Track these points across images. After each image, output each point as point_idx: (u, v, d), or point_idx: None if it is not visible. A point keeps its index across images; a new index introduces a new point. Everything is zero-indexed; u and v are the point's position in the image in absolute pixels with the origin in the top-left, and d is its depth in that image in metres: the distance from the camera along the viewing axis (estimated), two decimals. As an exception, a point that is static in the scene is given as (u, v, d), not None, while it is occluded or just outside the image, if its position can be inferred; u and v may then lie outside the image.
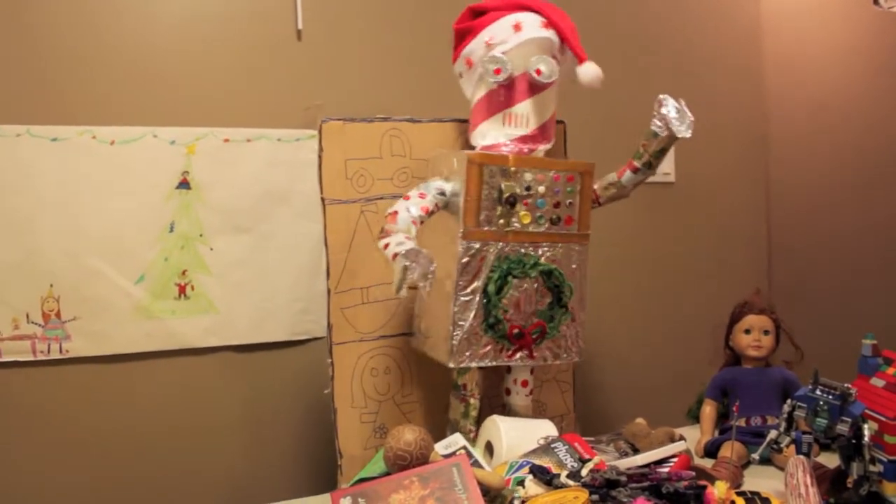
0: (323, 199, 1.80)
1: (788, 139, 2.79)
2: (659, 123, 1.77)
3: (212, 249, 2.04)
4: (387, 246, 1.60)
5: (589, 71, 1.74)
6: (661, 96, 1.77)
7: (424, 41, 2.16)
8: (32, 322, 1.89)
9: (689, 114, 1.77)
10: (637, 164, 1.82)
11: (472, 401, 1.77)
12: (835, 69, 2.83)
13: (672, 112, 1.75)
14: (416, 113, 1.89)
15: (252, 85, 2.06)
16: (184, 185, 2.01)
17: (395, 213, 1.66)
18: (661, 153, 1.80)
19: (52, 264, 1.90)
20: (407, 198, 1.69)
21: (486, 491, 1.46)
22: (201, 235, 2.03)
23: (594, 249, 2.29)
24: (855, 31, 2.83)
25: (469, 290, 1.68)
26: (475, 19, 1.79)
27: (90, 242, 1.93)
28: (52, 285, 1.90)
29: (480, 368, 1.76)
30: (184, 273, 2.02)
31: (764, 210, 2.76)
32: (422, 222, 1.67)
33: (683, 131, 1.75)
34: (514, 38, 1.72)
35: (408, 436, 1.52)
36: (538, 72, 1.71)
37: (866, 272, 2.80)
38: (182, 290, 2.02)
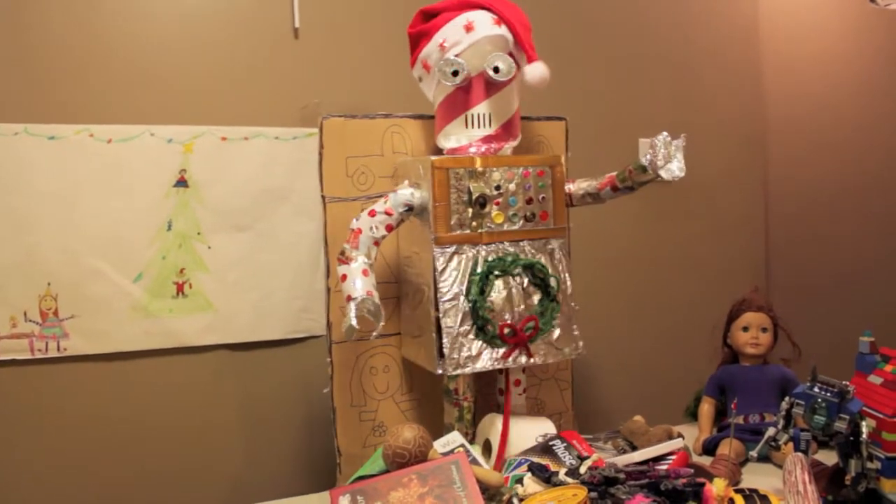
0: (323, 197, 1.80)
1: (786, 137, 2.80)
2: (648, 158, 1.71)
3: (210, 248, 2.04)
4: (344, 278, 1.63)
5: (534, 71, 1.71)
6: (660, 135, 1.70)
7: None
8: (30, 320, 1.89)
9: (681, 158, 1.72)
10: (619, 185, 1.79)
11: (465, 404, 1.76)
12: (832, 67, 2.83)
13: (662, 155, 1.70)
14: (412, 111, 1.88)
15: (249, 83, 2.06)
16: (181, 183, 2.01)
17: (358, 231, 1.67)
18: (646, 183, 1.78)
19: (50, 262, 1.90)
20: (373, 213, 1.69)
21: (484, 489, 1.47)
22: (199, 234, 2.03)
23: (592, 248, 2.31)
24: (852, 28, 2.83)
25: (450, 295, 1.67)
26: (428, 22, 1.77)
27: (88, 241, 1.93)
28: (49, 283, 1.90)
29: (471, 371, 1.75)
30: (182, 271, 2.01)
31: (762, 208, 2.77)
32: (384, 239, 1.70)
33: (674, 176, 1.70)
34: (466, 38, 1.70)
35: (406, 434, 1.52)
36: (496, 69, 1.69)
37: (864, 270, 2.81)
38: (180, 288, 2.01)
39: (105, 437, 1.96)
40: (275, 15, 2.08)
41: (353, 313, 1.59)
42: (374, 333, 1.64)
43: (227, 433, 2.07)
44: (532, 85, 1.72)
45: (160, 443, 2.01)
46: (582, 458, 1.59)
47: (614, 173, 1.80)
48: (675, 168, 1.71)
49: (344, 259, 1.66)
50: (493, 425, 1.73)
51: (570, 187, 1.82)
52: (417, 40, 1.79)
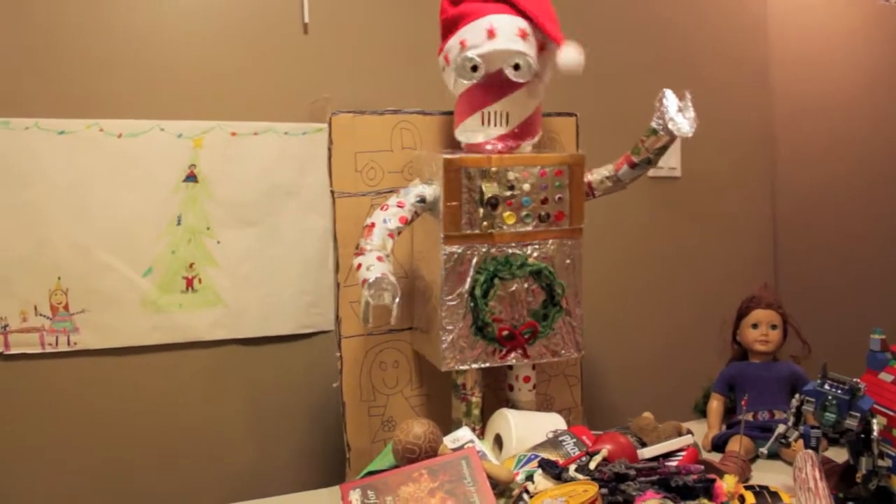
0: (332, 193, 1.80)
1: (795, 134, 2.79)
2: (659, 121, 1.72)
3: (219, 243, 2.04)
4: (359, 267, 1.61)
5: (567, 55, 1.66)
6: (663, 91, 1.72)
7: (432, 33, 2.14)
8: (41, 314, 1.90)
9: (691, 111, 1.72)
10: (635, 159, 1.78)
11: (473, 399, 1.76)
12: (841, 65, 2.83)
13: (672, 110, 1.71)
14: (423, 106, 1.89)
15: (259, 78, 2.06)
16: (191, 178, 2.01)
17: (372, 225, 1.65)
18: (661, 150, 1.76)
19: (60, 257, 1.90)
20: (385, 207, 1.68)
21: (494, 484, 1.47)
22: (208, 228, 2.03)
23: (600, 245, 2.30)
24: (861, 26, 2.83)
25: (455, 294, 1.67)
26: (456, 8, 1.74)
27: (98, 235, 1.93)
28: (59, 278, 1.91)
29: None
30: (191, 266, 2.02)
31: (770, 204, 2.76)
32: (399, 233, 1.67)
33: (684, 131, 1.71)
34: (487, 44, 1.66)
35: (416, 429, 1.52)
36: (515, 67, 1.66)
37: (874, 266, 2.81)
38: (189, 283, 2.02)
39: (114, 432, 1.97)
40: (284, 10, 2.08)
41: (368, 292, 1.55)
42: (393, 313, 1.58)
43: (236, 428, 2.07)
44: (565, 70, 1.67)
45: (169, 437, 2.01)
46: (591, 454, 1.59)
47: (629, 151, 1.80)
48: (682, 123, 1.71)
49: (359, 251, 1.64)
50: (504, 420, 1.73)
51: (589, 177, 1.81)
52: (444, 31, 1.76)
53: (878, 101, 2.84)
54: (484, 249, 1.69)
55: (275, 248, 2.09)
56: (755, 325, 1.93)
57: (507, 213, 1.70)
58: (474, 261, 1.68)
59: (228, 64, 2.03)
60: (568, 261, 1.75)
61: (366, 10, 2.16)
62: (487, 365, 1.72)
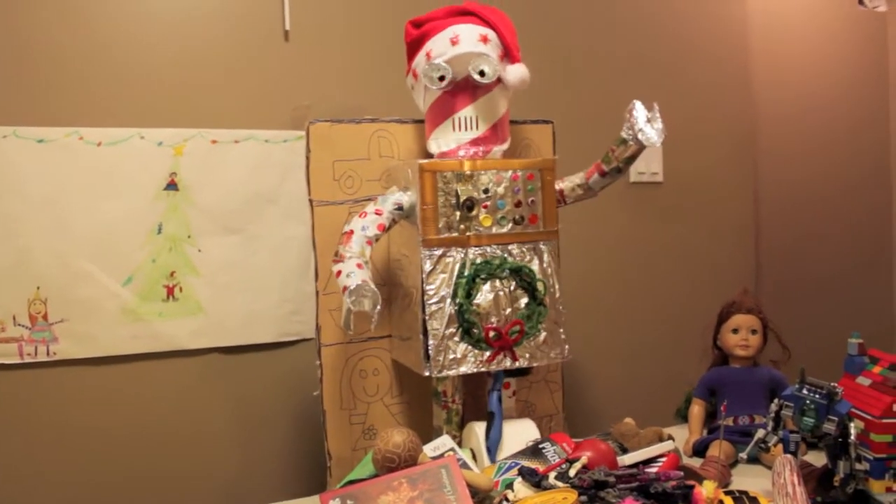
0: (311, 201, 1.81)
1: (776, 138, 2.81)
2: (629, 132, 1.75)
3: (200, 251, 2.03)
4: (339, 274, 1.62)
5: (514, 72, 1.74)
6: (633, 103, 1.76)
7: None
8: (19, 324, 1.88)
9: (659, 122, 1.75)
10: (605, 168, 1.81)
11: (453, 406, 1.76)
12: (821, 68, 2.85)
13: (641, 121, 1.74)
14: (404, 114, 1.89)
15: (240, 86, 2.06)
16: (171, 186, 2.00)
17: (350, 233, 1.67)
18: (630, 160, 1.79)
19: (40, 266, 1.89)
20: (363, 215, 1.69)
21: (474, 493, 1.47)
22: (189, 237, 2.02)
23: (583, 251, 2.32)
24: (840, 30, 2.85)
25: (437, 297, 1.67)
26: (419, 30, 1.79)
27: (77, 244, 1.92)
28: (39, 287, 1.89)
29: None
30: (172, 274, 2.01)
31: (752, 209, 2.77)
32: (377, 240, 1.69)
33: (652, 141, 1.74)
34: (451, 50, 1.72)
35: (396, 438, 1.51)
36: (481, 73, 1.71)
37: (853, 271, 2.82)
38: (170, 291, 2.01)
39: (95, 442, 1.95)
40: (265, 17, 2.08)
41: (349, 299, 1.57)
42: (373, 320, 1.59)
43: (217, 437, 2.06)
44: (512, 86, 1.75)
45: (151, 447, 2.00)
46: (571, 461, 1.58)
47: (599, 160, 1.82)
48: (651, 133, 1.74)
49: (337, 258, 1.65)
50: (473, 434, 1.73)
51: (561, 185, 1.83)
52: (410, 51, 1.81)
53: (857, 104, 2.87)
54: (463, 252, 1.69)
55: (256, 255, 2.08)
56: (735, 330, 1.93)
57: (483, 216, 1.71)
58: (454, 263, 1.69)
59: (209, 71, 2.03)
60: (544, 264, 1.76)
61: (346, 18, 2.16)
62: (475, 370, 1.70)
